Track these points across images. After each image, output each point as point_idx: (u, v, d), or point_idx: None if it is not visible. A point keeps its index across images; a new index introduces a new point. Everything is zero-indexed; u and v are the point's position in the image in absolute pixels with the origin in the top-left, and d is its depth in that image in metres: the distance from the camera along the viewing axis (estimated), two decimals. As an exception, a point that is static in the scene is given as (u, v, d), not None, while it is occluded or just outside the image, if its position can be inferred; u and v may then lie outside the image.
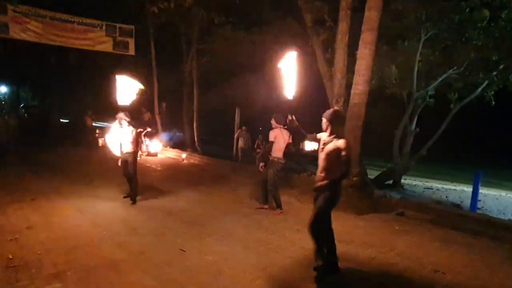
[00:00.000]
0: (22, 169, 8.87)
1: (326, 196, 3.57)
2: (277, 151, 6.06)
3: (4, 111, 21.55)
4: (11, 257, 3.81)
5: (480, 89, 9.68)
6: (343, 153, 3.46)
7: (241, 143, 12.73)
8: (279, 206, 6.17)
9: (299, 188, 7.60)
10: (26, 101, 30.89)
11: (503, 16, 9.09)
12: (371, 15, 6.50)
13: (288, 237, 4.89)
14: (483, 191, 10.01)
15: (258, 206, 6.42)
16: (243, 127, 12.90)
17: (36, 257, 3.86)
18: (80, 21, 12.56)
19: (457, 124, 11.36)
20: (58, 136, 17.16)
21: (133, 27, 13.58)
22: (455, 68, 9.59)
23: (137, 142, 6.53)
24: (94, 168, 9.58)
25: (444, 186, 12.30)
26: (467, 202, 9.00)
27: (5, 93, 30.89)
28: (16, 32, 11.40)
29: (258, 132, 12.79)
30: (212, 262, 3.97)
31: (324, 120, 3.70)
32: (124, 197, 6.54)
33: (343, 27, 7.53)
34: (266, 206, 6.29)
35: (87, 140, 14.32)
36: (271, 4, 13.34)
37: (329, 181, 3.52)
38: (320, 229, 3.66)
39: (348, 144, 3.52)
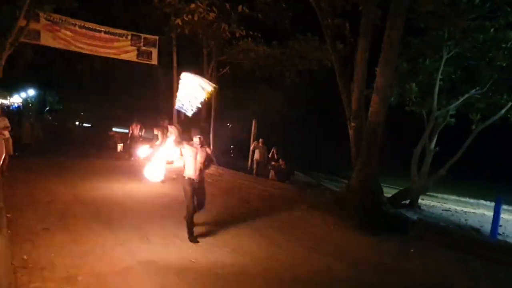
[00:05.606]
0: (43, 171, 9.12)
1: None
2: None
3: (31, 113, 22.31)
4: (25, 257, 3.90)
5: (504, 110, 9.40)
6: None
7: (257, 155, 12.66)
8: None
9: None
10: (51, 104, 31.96)
11: (528, 38, 8.86)
12: (392, 33, 6.48)
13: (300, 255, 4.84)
14: (504, 216, 9.58)
15: None
16: (260, 140, 12.88)
17: (49, 259, 3.95)
18: (107, 30, 12.99)
19: (479, 145, 11.01)
20: (80, 139, 17.67)
21: (157, 37, 13.94)
22: (477, 88, 9.37)
23: None
24: (113, 171, 9.75)
25: (463, 209, 11.83)
26: (487, 227, 8.63)
27: (32, 96, 32.12)
28: (46, 40, 11.88)
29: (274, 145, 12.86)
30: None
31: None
32: None
33: (363, 43, 7.52)
34: None
35: (106, 145, 14.76)
36: (291, 18, 13.46)
37: None
38: None
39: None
